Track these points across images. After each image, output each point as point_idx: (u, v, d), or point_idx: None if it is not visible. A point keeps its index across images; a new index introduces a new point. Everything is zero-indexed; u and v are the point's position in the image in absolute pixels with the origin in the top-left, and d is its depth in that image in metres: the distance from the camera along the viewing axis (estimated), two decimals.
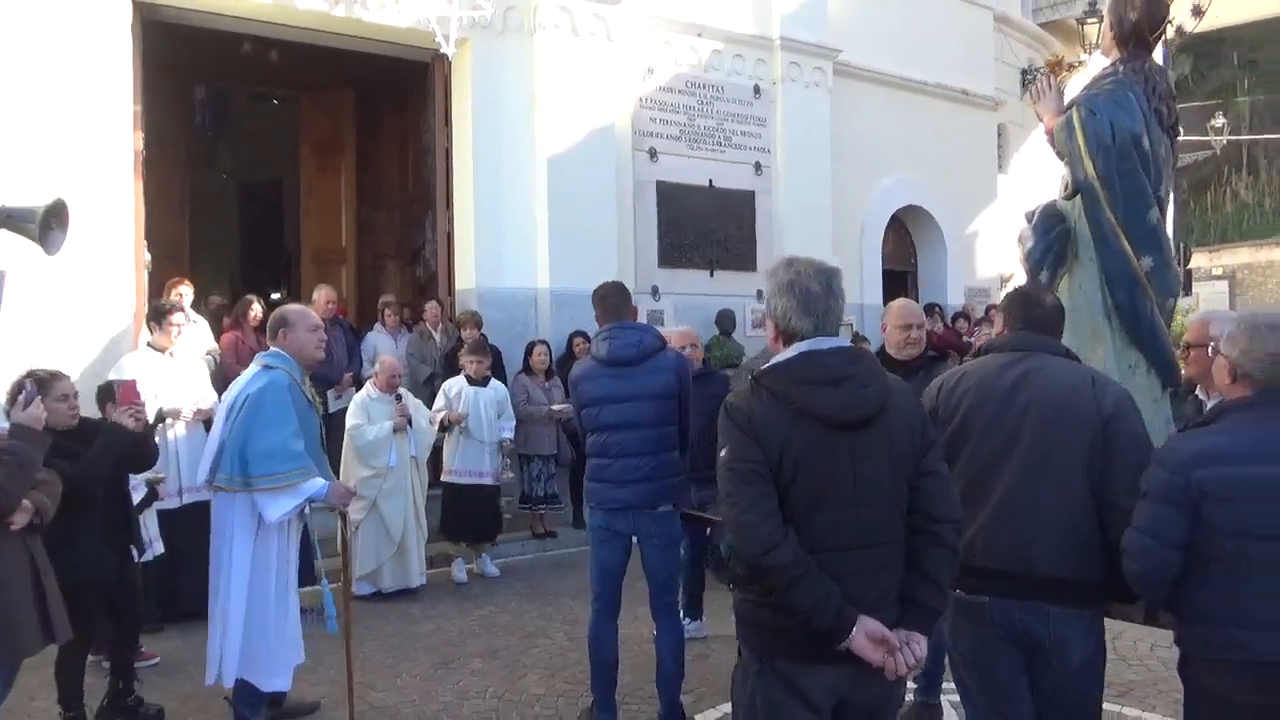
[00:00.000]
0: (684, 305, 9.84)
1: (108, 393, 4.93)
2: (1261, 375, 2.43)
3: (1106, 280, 3.20)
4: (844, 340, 2.33)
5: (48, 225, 4.89)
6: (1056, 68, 3.66)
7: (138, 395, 4.36)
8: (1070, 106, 3.26)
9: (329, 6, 7.97)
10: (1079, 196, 3.23)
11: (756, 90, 10.47)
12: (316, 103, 11.05)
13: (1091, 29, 13.02)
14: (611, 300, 4.15)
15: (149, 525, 5.16)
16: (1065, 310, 3.34)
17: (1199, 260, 23.58)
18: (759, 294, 10.18)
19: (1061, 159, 3.31)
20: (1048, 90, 3.39)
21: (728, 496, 2.22)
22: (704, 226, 10.07)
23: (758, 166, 10.49)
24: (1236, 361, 2.46)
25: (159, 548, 5.20)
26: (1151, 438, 2.86)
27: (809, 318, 2.27)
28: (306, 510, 4.07)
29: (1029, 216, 3.40)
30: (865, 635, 2.12)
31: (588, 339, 7.32)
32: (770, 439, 2.18)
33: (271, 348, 4.08)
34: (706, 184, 10.10)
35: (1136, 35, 3.27)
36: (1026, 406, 2.64)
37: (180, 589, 5.44)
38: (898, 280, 12.59)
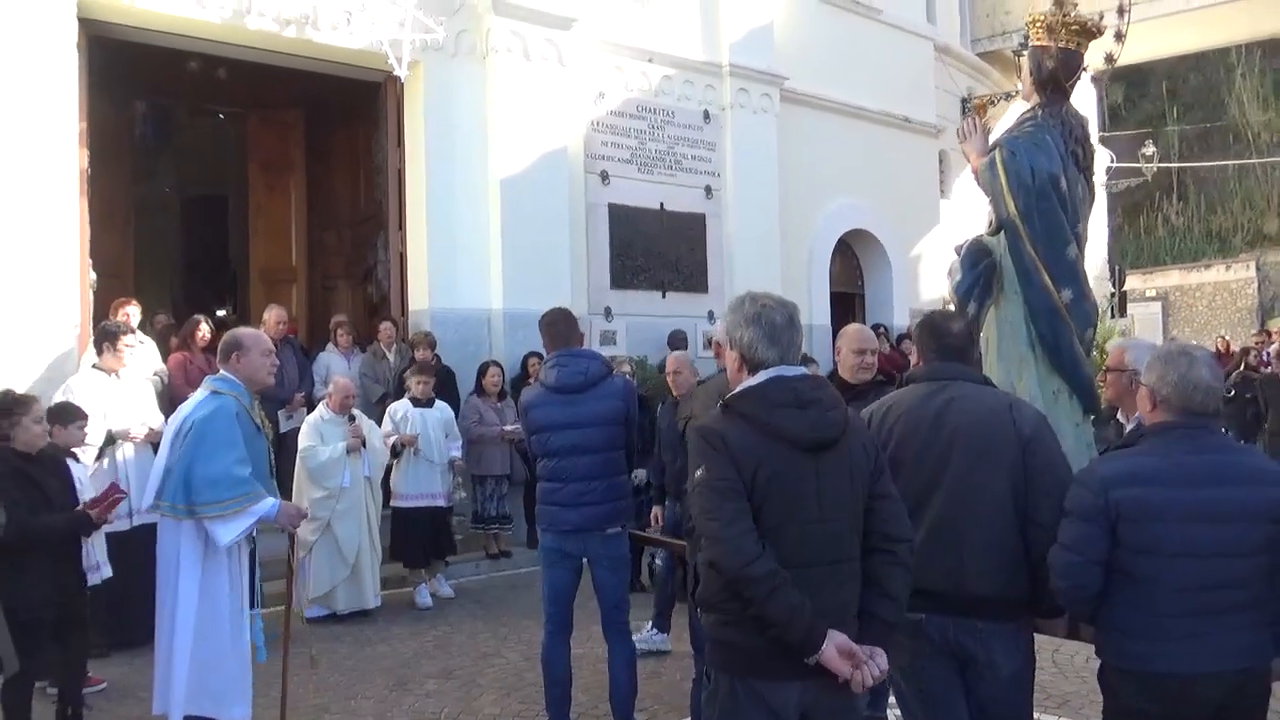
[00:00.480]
0: (636, 326, 9.98)
1: (57, 415, 4.93)
2: (1178, 401, 2.62)
3: (1029, 312, 3.40)
4: (806, 369, 2.47)
5: None
6: (982, 110, 3.86)
7: (113, 514, 4.52)
8: (994, 148, 3.47)
9: (279, 28, 8.00)
10: (1002, 232, 3.43)
11: (706, 115, 10.69)
12: (265, 121, 11.01)
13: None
14: (559, 327, 4.26)
15: (96, 549, 5.12)
16: (993, 339, 3.58)
17: (1133, 283, 24.42)
18: (710, 315, 10.38)
19: (987, 196, 3.52)
20: (974, 131, 3.60)
21: (706, 513, 2.31)
22: (655, 248, 10.23)
23: (708, 190, 10.70)
24: (1154, 388, 2.65)
25: (107, 571, 5.15)
26: (1074, 461, 3.06)
27: (775, 347, 2.41)
28: (254, 532, 4.07)
29: (958, 250, 3.60)
30: (835, 648, 2.25)
31: (542, 359, 7.41)
32: (744, 459, 2.30)
33: (221, 370, 4.04)
34: (658, 206, 10.28)
35: (1054, 82, 3.49)
36: (952, 434, 2.81)
37: (128, 612, 5.39)
38: (845, 302, 12.89)
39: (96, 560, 5.11)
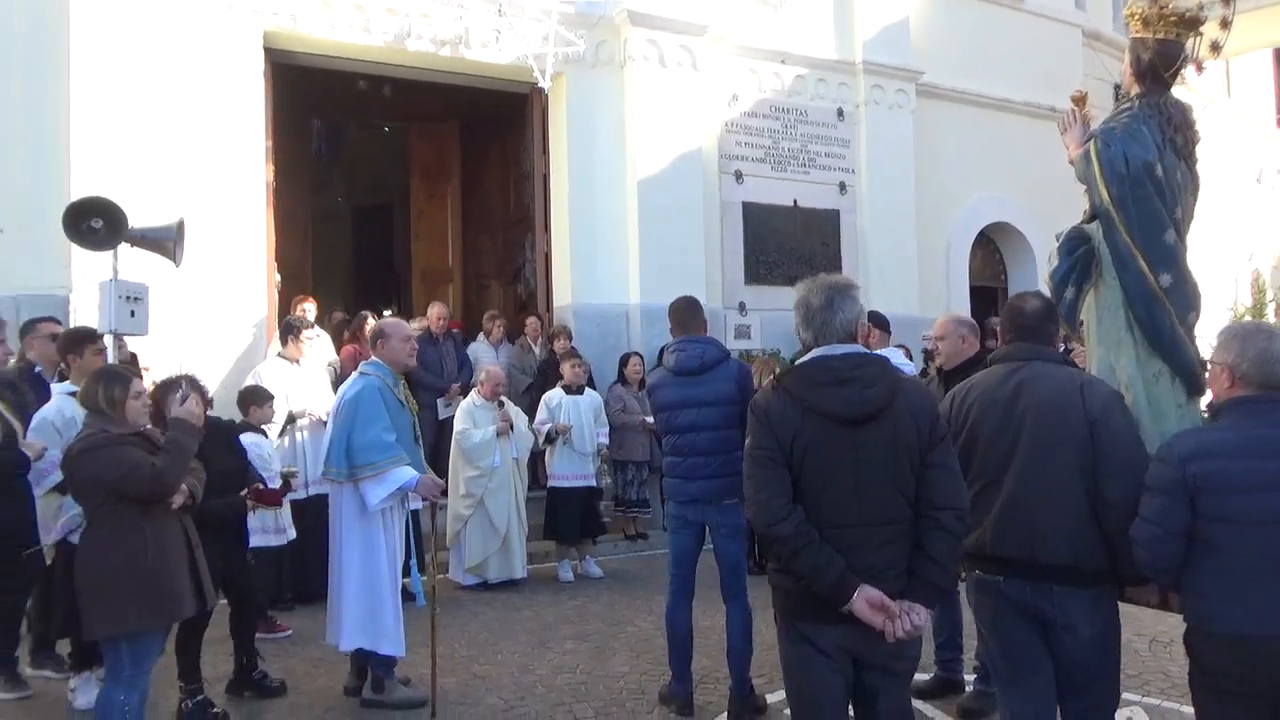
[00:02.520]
0: (770, 320, 10.22)
1: (251, 396, 5.70)
2: (1257, 376, 2.75)
3: (1126, 297, 3.49)
4: (856, 346, 2.73)
5: (175, 242, 5.77)
6: (1082, 102, 3.90)
7: (280, 503, 5.36)
8: (1089, 138, 3.59)
9: (435, 48, 8.73)
10: (1097, 220, 3.55)
11: (840, 113, 10.84)
12: (425, 133, 11.90)
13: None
14: (683, 314, 4.67)
15: (284, 516, 5.86)
16: (1092, 324, 3.70)
17: None
18: None
19: (1083, 186, 3.65)
20: (1074, 123, 3.71)
21: (747, 478, 2.67)
22: (788, 244, 10.46)
23: (842, 186, 10.83)
24: (1233, 365, 2.79)
25: (292, 534, 5.89)
26: None
27: (809, 329, 2.72)
28: (407, 501, 4.65)
29: (1059, 238, 3.74)
30: (865, 601, 2.51)
31: None
32: (783, 430, 2.61)
33: (372, 356, 4.73)
34: (791, 203, 10.51)
35: (1152, 73, 3.58)
36: (1024, 413, 3.00)
37: (309, 569, 6.13)
38: (987, 296, 12.68)
39: (284, 524, 5.86)
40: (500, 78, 9.40)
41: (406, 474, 4.43)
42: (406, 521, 4.82)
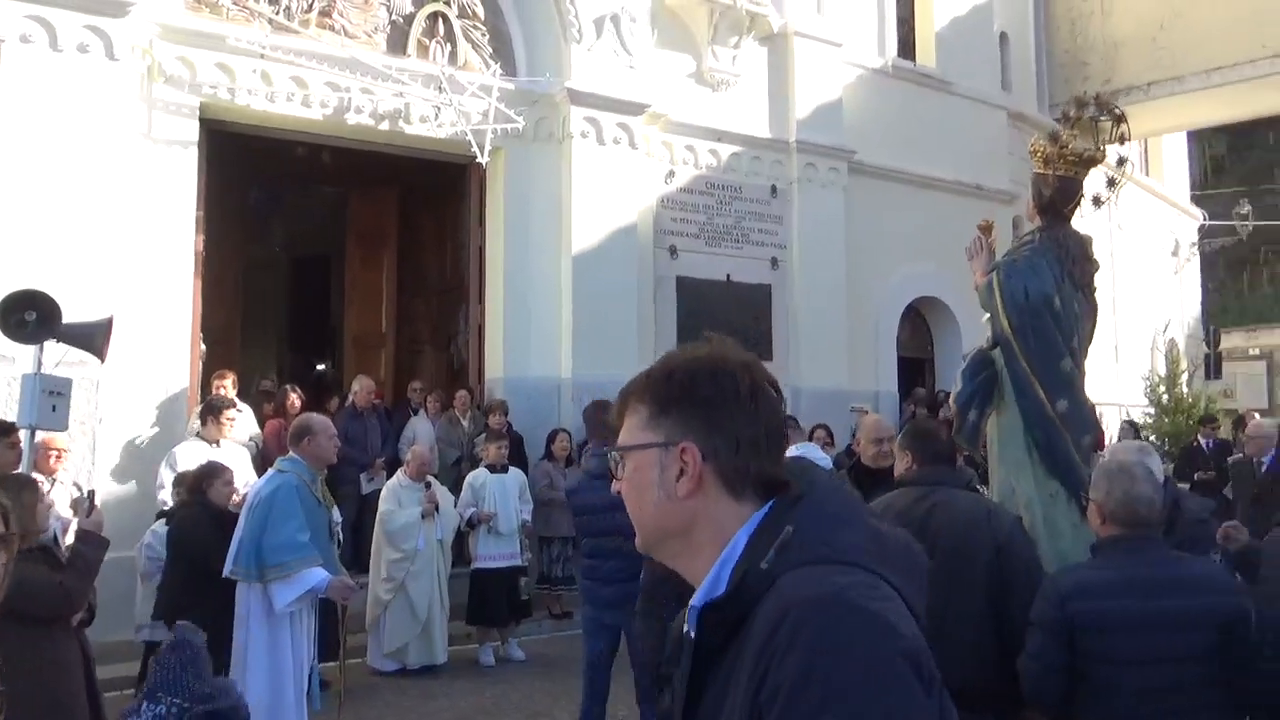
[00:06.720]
0: None
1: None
2: (1123, 515, 2.86)
3: (1025, 421, 3.64)
4: None
5: (103, 339, 5.63)
6: (988, 230, 4.12)
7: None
8: (994, 269, 3.75)
9: (375, 122, 8.75)
10: (999, 347, 3.70)
11: (774, 190, 11.09)
12: (363, 198, 11.87)
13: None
14: (600, 417, 4.68)
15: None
16: (994, 445, 3.84)
17: (1236, 340, 23.50)
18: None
19: (986, 313, 3.80)
20: (980, 250, 3.89)
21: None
22: (721, 318, 10.54)
23: (774, 262, 11.05)
24: (1102, 504, 2.90)
25: None
26: (1073, 559, 3.30)
27: None
28: (315, 600, 4.56)
29: (965, 358, 3.88)
30: None
31: None
32: None
33: (291, 452, 4.66)
34: (724, 279, 10.67)
35: (1053, 208, 3.78)
36: (935, 536, 3.08)
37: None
38: (915, 367, 13.01)
39: None
40: (439, 150, 9.44)
41: (318, 575, 4.35)
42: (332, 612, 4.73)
